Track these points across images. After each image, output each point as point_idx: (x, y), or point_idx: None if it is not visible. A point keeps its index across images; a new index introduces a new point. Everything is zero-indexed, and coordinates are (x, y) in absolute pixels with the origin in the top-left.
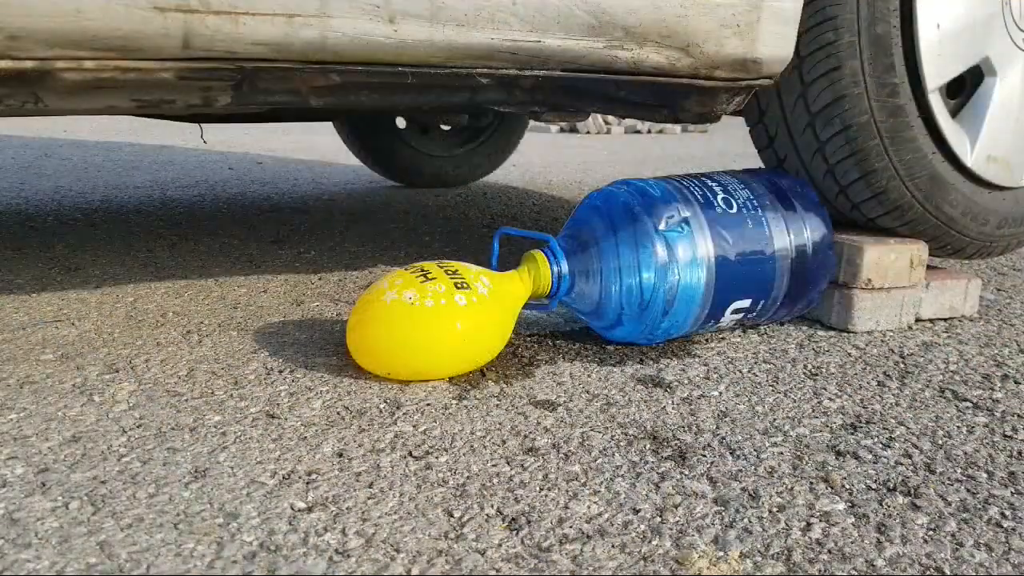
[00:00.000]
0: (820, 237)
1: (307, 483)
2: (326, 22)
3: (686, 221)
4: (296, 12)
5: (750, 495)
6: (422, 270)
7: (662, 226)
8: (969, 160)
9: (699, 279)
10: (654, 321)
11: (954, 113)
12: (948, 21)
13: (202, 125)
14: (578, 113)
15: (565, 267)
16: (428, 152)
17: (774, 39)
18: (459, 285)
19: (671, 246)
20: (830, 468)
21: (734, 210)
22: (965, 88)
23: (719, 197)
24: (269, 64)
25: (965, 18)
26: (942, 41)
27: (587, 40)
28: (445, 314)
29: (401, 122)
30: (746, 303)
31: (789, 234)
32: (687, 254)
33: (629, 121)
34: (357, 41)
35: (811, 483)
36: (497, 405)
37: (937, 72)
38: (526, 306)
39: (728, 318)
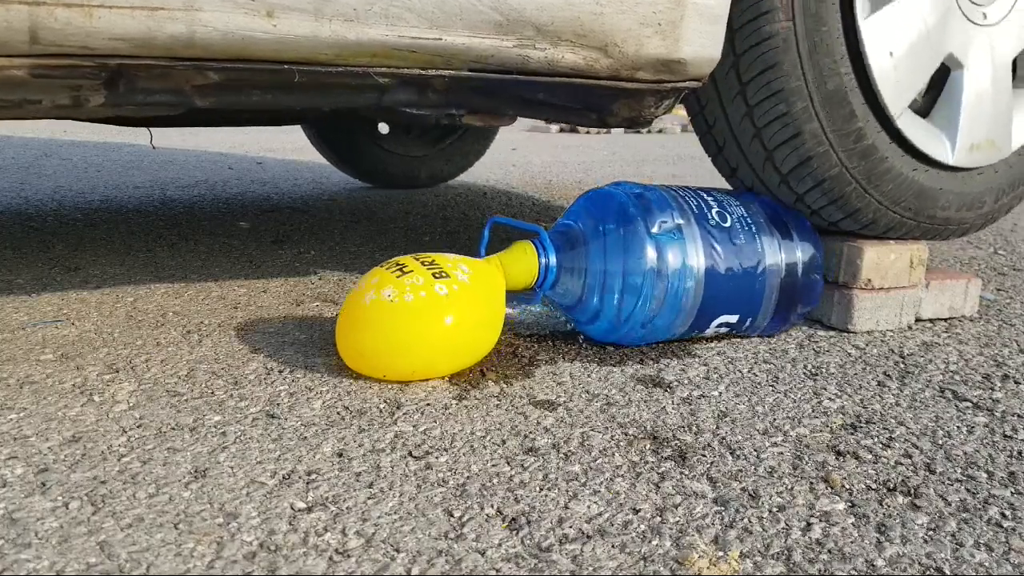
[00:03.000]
0: (809, 258)
1: (307, 483)
2: (194, 16)
3: (679, 228)
4: (159, 5)
5: (750, 495)
6: (398, 264)
7: (655, 229)
8: (951, 159)
9: (687, 288)
10: (635, 323)
11: (927, 110)
12: (901, 45)
13: (152, 130)
14: (500, 116)
15: (553, 259)
16: (397, 152)
17: (699, 38)
18: (437, 275)
19: (661, 250)
20: (830, 468)
21: (727, 224)
22: (934, 82)
23: (714, 211)
24: (135, 61)
25: (919, 31)
26: (898, 67)
27: (494, 38)
28: (427, 307)
29: (384, 128)
30: (732, 319)
31: (780, 253)
32: (677, 260)
33: None
34: (231, 36)
35: (811, 483)
36: (497, 405)
37: (899, 96)
38: (512, 297)
39: (712, 330)
